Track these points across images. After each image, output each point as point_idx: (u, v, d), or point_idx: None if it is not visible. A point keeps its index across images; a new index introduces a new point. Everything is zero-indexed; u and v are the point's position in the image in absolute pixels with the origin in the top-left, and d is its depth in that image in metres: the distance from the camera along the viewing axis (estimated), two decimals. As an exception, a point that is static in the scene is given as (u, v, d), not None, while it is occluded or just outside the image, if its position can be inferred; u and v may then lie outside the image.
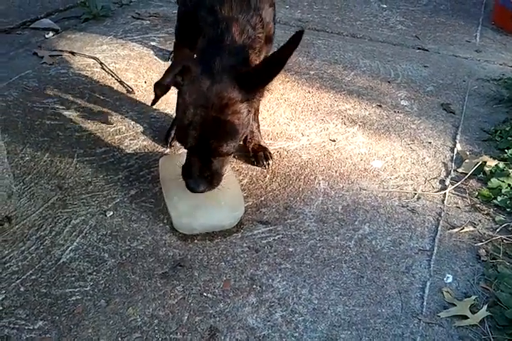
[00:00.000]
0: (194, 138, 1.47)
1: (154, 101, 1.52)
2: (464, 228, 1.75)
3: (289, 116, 2.28)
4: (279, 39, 2.88)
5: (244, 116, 1.50)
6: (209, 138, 1.47)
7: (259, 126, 2.04)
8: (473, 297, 1.50)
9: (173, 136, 2.00)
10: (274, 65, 1.44)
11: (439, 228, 1.75)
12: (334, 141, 2.15)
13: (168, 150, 1.99)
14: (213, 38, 1.53)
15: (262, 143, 2.01)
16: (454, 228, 1.75)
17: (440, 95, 2.55)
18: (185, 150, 1.61)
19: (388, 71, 2.74)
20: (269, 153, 1.98)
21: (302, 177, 1.93)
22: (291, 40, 1.41)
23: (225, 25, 1.53)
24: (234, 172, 1.87)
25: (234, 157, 1.94)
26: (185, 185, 1.57)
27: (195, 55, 1.61)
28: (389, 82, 2.64)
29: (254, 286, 1.49)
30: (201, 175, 1.54)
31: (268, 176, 1.92)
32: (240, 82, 1.46)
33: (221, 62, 1.48)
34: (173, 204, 1.67)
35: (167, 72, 1.48)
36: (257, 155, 1.96)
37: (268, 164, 1.95)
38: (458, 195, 1.91)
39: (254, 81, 1.48)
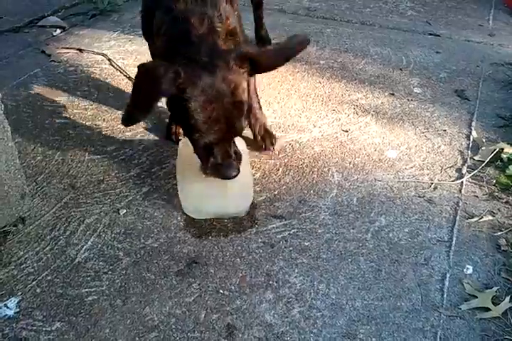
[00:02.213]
0: (222, 129, 1.49)
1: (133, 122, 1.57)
2: (482, 217, 1.72)
3: (300, 108, 2.25)
4: (286, 29, 2.86)
5: (246, 89, 1.55)
6: (233, 122, 1.50)
7: (259, 100, 2.05)
8: (495, 288, 1.47)
9: (174, 130, 1.99)
10: (277, 57, 1.54)
11: (457, 218, 1.72)
12: (347, 131, 2.12)
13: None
14: (175, 34, 1.53)
15: (265, 124, 2.02)
16: (472, 217, 1.72)
17: (454, 81, 2.50)
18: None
19: (400, 58, 2.69)
20: (275, 136, 2.02)
21: (315, 169, 1.91)
22: (299, 42, 1.52)
23: (183, 19, 1.53)
24: (250, 164, 1.86)
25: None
26: (218, 174, 1.58)
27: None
28: (401, 69, 2.59)
29: (271, 282, 1.47)
30: (231, 158, 1.57)
31: (281, 169, 1.90)
32: (240, 64, 1.49)
33: (205, 51, 1.48)
34: (183, 188, 1.69)
35: (153, 87, 1.42)
36: (264, 140, 1.99)
37: (274, 149, 1.99)
38: (475, 184, 1.87)
39: (253, 66, 1.52)
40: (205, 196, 1.67)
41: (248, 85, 1.64)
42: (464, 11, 3.34)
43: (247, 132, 1.94)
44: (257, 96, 2.04)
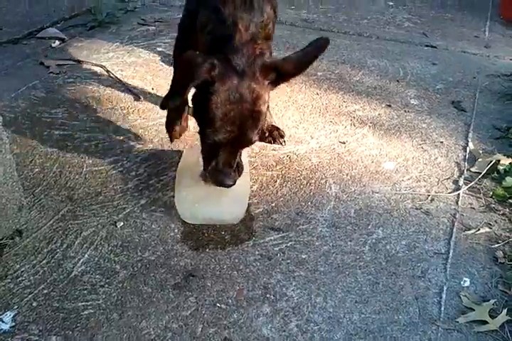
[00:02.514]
0: (232, 131, 1.53)
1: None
2: (479, 229, 1.72)
3: (298, 119, 2.26)
4: (284, 40, 2.87)
5: (267, 104, 1.62)
6: (246, 129, 1.54)
7: (268, 106, 2.08)
8: (492, 301, 1.47)
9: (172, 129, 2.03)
10: (300, 64, 1.56)
11: (454, 230, 1.72)
12: (344, 143, 2.12)
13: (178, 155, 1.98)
14: (221, 35, 1.59)
15: (274, 123, 2.14)
16: (469, 229, 1.72)
17: (450, 93, 2.51)
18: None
19: (397, 70, 2.71)
20: (282, 131, 2.13)
21: (313, 181, 1.91)
22: (318, 46, 1.56)
23: (231, 22, 1.59)
24: (250, 173, 1.87)
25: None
26: (215, 179, 1.62)
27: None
28: (398, 80, 2.61)
29: (268, 295, 1.47)
30: (232, 168, 1.61)
31: (278, 181, 1.90)
32: (265, 75, 1.55)
33: (242, 57, 1.55)
34: (180, 193, 1.72)
35: (189, 72, 1.51)
36: (272, 134, 2.10)
37: (284, 141, 2.10)
38: (472, 196, 1.87)
39: (278, 76, 1.57)
40: (200, 201, 1.69)
41: None
42: (460, 23, 3.36)
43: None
44: None
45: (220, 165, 1.59)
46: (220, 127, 1.52)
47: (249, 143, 1.60)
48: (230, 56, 1.54)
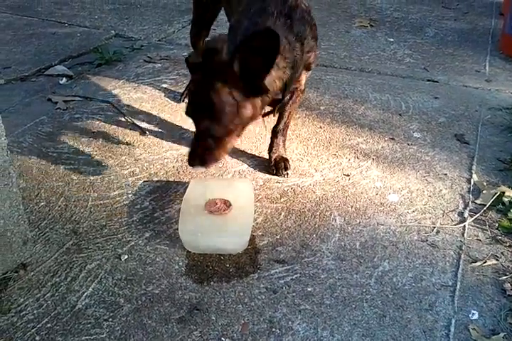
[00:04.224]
0: (188, 110, 1.66)
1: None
2: (486, 261, 1.71)
3: (302, 152, 2.28)
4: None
5: (231, 105, 1.58)
6: (195, 112, 1.65)
7: (285, 140, 2.19)
8: (502, 334, 1.44)
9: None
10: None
11: (461, 262, 1.70)
12: (348, 175, 2.13)
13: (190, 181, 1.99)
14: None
15: (284, 155, 2.16)
16: (476, 262, 1.71)
17: (453, 126, 2.53)
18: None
19: (399, 104, 2.74)
20: (289, 164, 2.14)
21: (317, 213, 1.91)
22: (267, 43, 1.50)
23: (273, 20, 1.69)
24: (254, 204, 1.90)
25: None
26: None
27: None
28: (400, 114, 2.63)
29: (274, 329, 1.45)
30: (195, 151, 1.69)
31: (283, 214, 1.90)
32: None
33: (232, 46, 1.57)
34: (184, 222, 1.74)
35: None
36: (277, 165, 2.12)
37: (287, 173, 2.10)
38: (478, 227, 1.86)
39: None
40: (203, 231, 1.71)
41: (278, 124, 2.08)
42: (460, 58, 3.42)
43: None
44: (285, 136, 2.19)
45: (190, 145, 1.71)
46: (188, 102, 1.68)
47: (200, 129, 1.65)
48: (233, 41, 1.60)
